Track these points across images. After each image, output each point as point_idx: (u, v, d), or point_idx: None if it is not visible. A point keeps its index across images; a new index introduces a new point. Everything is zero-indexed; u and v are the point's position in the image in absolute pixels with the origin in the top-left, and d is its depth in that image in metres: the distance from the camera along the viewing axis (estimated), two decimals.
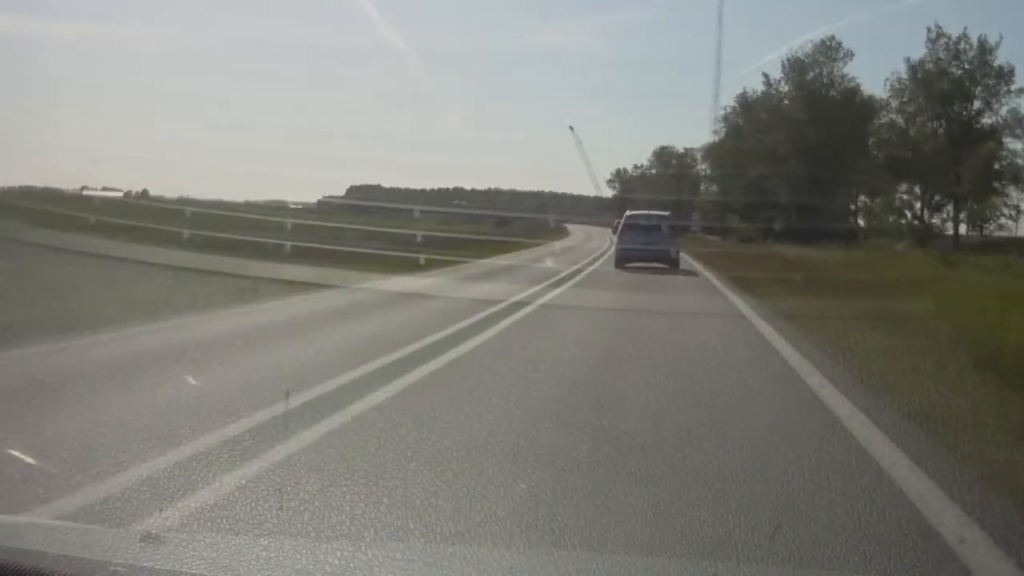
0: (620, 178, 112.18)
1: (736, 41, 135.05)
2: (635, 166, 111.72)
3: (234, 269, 15.80)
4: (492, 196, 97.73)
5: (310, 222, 34.36)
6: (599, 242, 46.12)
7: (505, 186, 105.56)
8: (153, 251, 18.23)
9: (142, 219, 27.20)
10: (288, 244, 23.42)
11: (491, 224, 56.14)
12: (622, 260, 26.63)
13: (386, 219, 41.10)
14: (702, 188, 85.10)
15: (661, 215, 30.37)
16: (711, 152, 78.75)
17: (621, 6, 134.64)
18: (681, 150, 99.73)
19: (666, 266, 26.10)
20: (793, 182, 60.45)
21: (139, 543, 2.26)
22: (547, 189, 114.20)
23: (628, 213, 29.16)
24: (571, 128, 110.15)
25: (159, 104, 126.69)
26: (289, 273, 16.22)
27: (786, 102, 67.48)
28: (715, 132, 78.90)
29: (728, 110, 75.97)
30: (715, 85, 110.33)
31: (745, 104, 73.73)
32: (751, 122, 71.24)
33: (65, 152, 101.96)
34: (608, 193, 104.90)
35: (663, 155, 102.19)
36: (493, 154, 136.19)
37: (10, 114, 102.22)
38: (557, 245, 44.88)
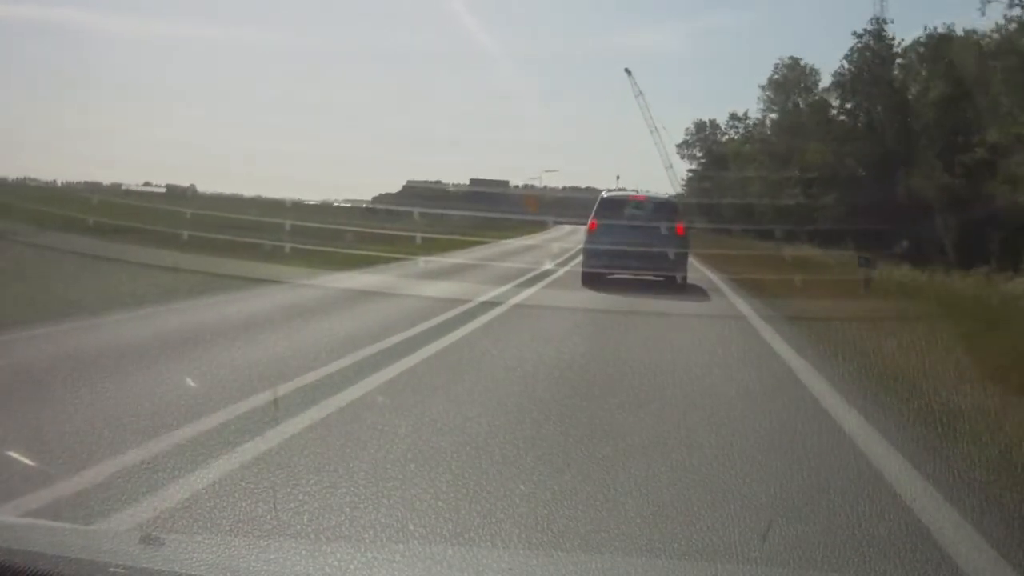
0: (702, 141, 63.06)
1: None
2: (733, 116, 61.50)
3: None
4: (568, 194, 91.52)
5: (311, 223, 34.46)
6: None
7: (583, 184, 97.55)
8: (147, 251, 18.36)
9: (157, 219, 27.58)
10: (288, 246, 23.48)
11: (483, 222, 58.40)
12: (592, 267, 17.14)
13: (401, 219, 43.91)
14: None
15: (658, 199, 19.81)
16: None
17: (711, 8, 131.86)
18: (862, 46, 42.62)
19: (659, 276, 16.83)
20: None
21: (139, 544, 2.26)
22: (630, 187, 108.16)
23: (603, 195, 18.61)
24: (628, 71, 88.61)
25: (233, 108, 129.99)
26: (268, 271, 16.33)
27: None
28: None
29: None
30: None
31: None
32: None
33: (142, 151, 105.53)
34: (682, 174, 62.57)
35: (788, 84, 50.26)
36: (572, 154, 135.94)
37: (86, 116, 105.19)
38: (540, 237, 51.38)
